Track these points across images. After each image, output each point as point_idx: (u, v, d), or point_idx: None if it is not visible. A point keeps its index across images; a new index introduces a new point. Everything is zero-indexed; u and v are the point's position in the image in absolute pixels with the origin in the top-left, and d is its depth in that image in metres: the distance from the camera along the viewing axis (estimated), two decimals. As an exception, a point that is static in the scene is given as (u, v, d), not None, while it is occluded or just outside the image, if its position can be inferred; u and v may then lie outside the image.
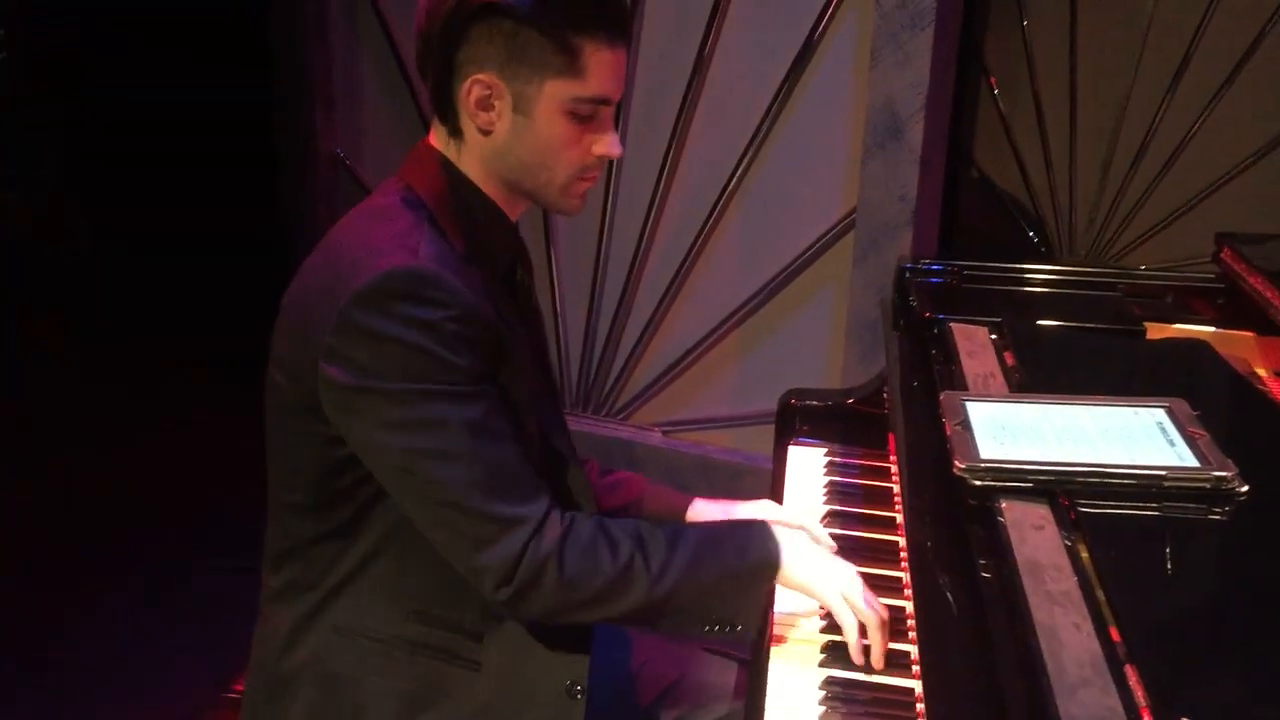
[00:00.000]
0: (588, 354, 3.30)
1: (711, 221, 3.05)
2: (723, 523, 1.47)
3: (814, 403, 1.93)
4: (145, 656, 2.68)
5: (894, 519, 1.59)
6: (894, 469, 1.58)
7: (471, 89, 1.31)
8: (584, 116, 1.33)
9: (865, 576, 1.49)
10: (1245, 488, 1.14)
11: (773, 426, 1.96)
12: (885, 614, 1.33)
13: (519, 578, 1.27)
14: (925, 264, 1.92)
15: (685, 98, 2.99)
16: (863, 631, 1.32)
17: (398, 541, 1.35)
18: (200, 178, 4.27)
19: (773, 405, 1.96)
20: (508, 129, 1.33)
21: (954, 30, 2.83)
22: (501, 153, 1.35)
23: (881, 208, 2.79)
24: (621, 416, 3.32)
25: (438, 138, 1.39)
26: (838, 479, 1.78)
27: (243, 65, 3.67)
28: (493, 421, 1.28)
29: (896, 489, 1.56)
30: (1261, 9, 3.63)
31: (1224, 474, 1.14)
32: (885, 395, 1.79)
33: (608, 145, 1.36)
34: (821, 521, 1.65)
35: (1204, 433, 1.22)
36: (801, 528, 1.56)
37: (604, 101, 1.34)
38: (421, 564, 1.34)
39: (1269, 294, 1.62)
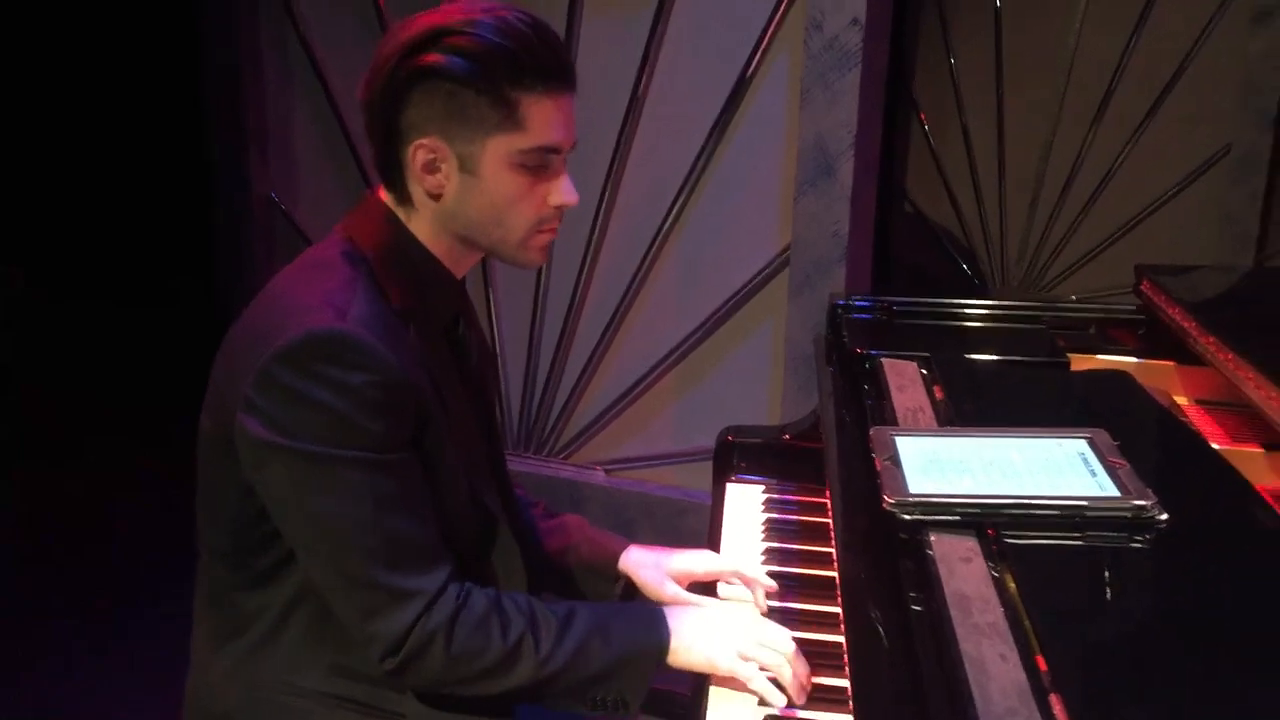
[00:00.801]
0: (528, 394, 3.30)
1: (649, 260, 3.08)
2: (617, 606, 1.46)
3: (751, 440, 1.94)
4: (93, 700, 2.65)
5: (831, 554, 1.60)
6: (830, 504, 1.60)
7: (416, 153, 1.31)
8: (533, 167, 1.33)
9: (803, 614, 1.52)
10: (1165, 516, 1.16)
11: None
12: (789, 648, 1.35)
13: (406, 650, 1.27)
14: (856, 300, 1.95)
15: (620, 137, 3.02)
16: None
17: (316, 594, 1.34)
18: (132, 222, 4.24)
19: (713, 441, 1.98)
20: (456, 189, 1.33)
21: (880, 70, 2.89)
22: (453, 213, 1.35)
23: (815, 244, 2.83)
24: (563, 456, 3.33)
25: (388, 195, 1.38)
26: (775, 516, 1.79)
27: (174, 109, 3.66)
28: (401, 491, 1.28)
29: (832, 524, 1.58)
30: (1181, 44, 3.75)
31: (1143, 503, 1.16)
32: (820, 430, 1.81)
33: (563, 194, 1.36)
34: (761, 557, 1.67)
35: (1124, 462, 1.24)
36: (736, 572, 1.58)
37: (552, 150, 1.34)
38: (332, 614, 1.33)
39: (1187, 325, 1.67)
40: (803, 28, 2.74)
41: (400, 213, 1.37)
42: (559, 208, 1.37)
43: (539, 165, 1.33)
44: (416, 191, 1.35)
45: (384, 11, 3.16)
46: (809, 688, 1.34)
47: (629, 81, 2.97)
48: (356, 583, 1.27)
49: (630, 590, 1.62)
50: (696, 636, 1.37)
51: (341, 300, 1.28)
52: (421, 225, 1.37)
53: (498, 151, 1.31)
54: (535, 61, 1.30)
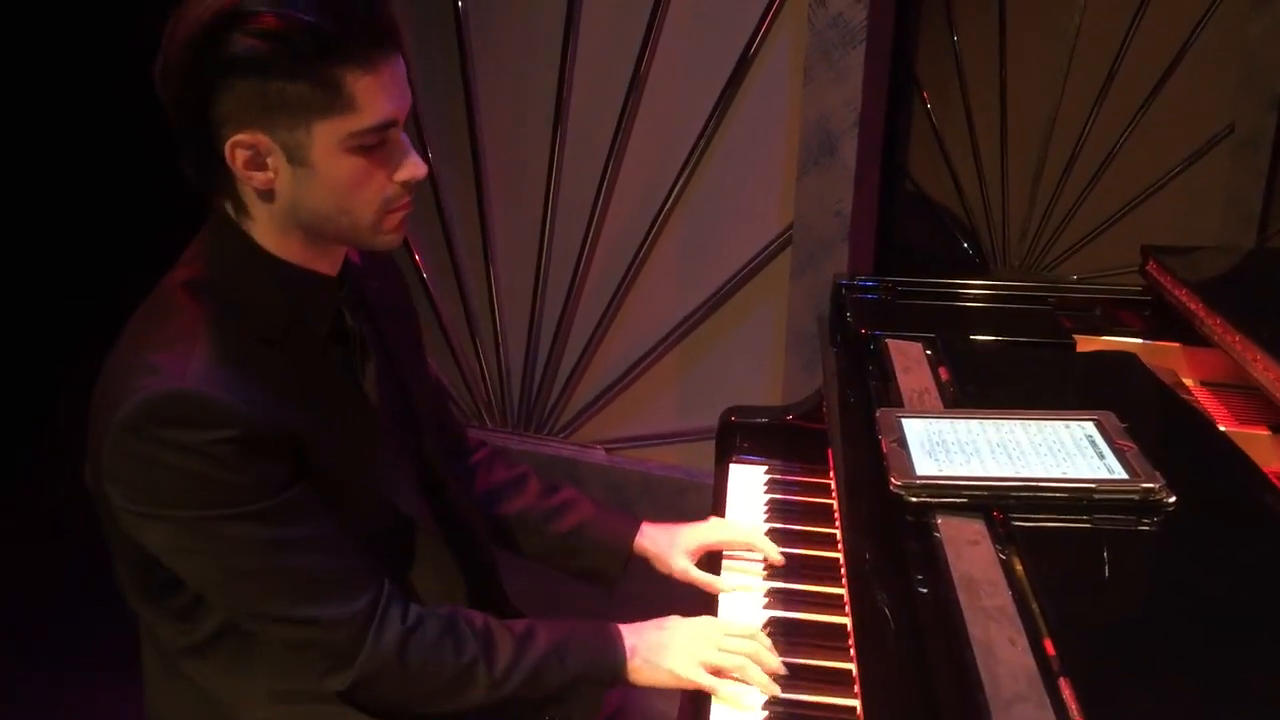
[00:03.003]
0: (529, 373, 3.29)
1: (650, 239, 3.06)
2: (573, 627, 1.39)
3: (754, 420, 1.93)
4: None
5: (835, 536, 1.60)
6: (834, 485, 1.59)
7: (235, 152, 1.16)
8: (371, 147, 1.18)
9: (805, 595, 1.51)
10: (1173, 498, 1.16)
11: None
12: (750, 647, 1.34)
13: (358, 670, 1.24)
14: (860, 280, 1.93)
15: (621, 116, 3.00)
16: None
17: (237, 627, 1.29)
18: (111, 226, 4.19)
19: (715, 421, 1.97)
20: (289, 184, 1.19)
21: (885, 47, 2.87)
22: (292, 210, 1.21)
23: (817, 223, 2.81)
24: (564, 435, 3.32)
25: (226, 207, 1.25)
26: (778, 496, 1.78)
27: (154, 107, 3.62)
28: (292, 532, 1.20)
29: (837, 505, 1.57)
30: (1184, 23, 3.73)
31: (1151, 485, 1.16)
32: (824, 411, 1.80)
33: (408, 169, 1.22)
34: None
35: (1132, 445, 1.24)
36: (748, 543, 1.58)
37: (387, 125, 1.19)
38: (267, 645, 1.29)
39: (1194, 306, 1.66)
40: (806, 4, 2.71)
41: (241, 222, 1.24)
42: (405, 183, 1.22)
43: (377, 144, 1.19)
44: (247, 194, 1.21)
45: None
46: (782, 671, 1.34)
47: (631, 59, 2.95)
48: (274, 622, 1.23)
49: (628, 564, 1.62)
50: (654, 653, 1.36)
51: (181, 350, 1.17)
52: (264, 230, 1.23)
53: (328, 136, 1.16)
54: (350, 32, 1.13)
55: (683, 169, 2.98)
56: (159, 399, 1.14)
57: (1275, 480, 1.36)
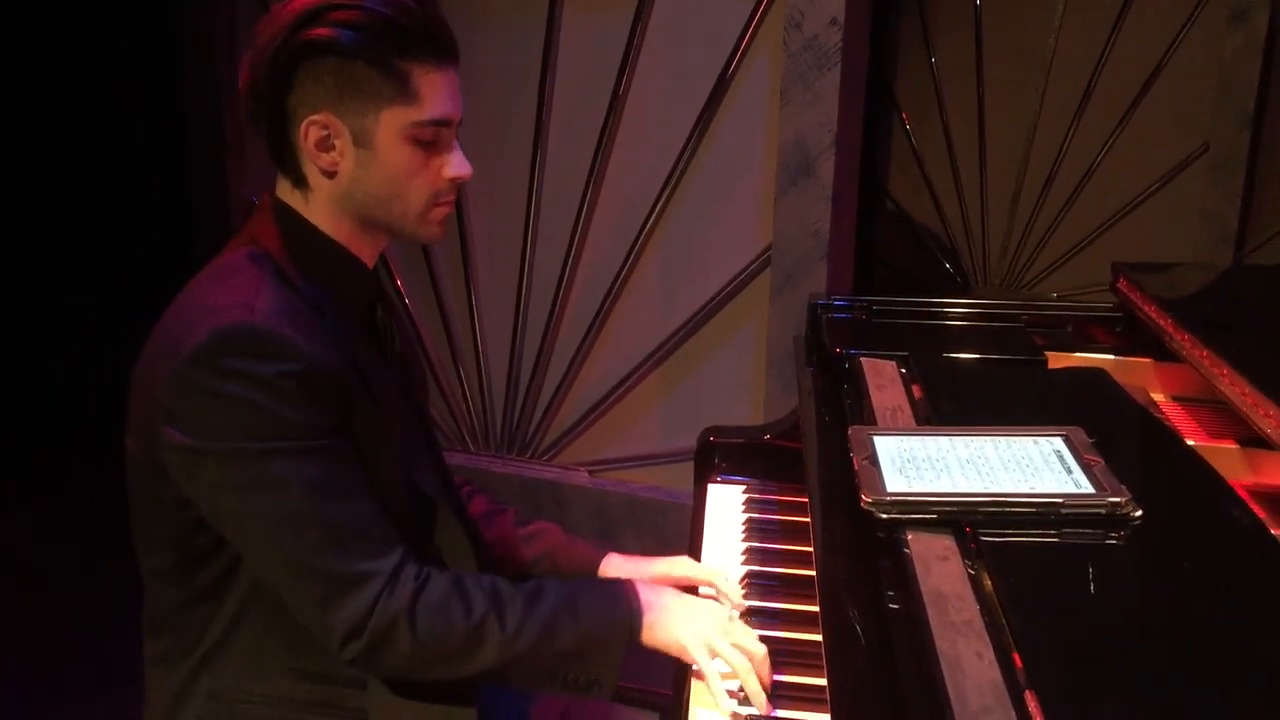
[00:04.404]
0: (511, 395, 3.30)
1: (630, 260, 3.08)
2: (586, 582, 1.44)
3: (732, 440, 1.95)
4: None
5: (812, 554, 1.61)
6: (810, 504, 1.60)
7: (308, 131, 1.30)
8: (426, 141, 1.33)
9: (783, 613, 1.52)
10: (1139, 512, 1.17)
11: (699, 463, 1.97)
12: (758, 651, 1.35)
13: (368, 634, 1.26)
14: (835, 300, 1.95)
15: (601, 137, 3.02)
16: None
17: (263, 600, 1.33)
18: (114, 242, 4.21)
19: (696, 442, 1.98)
20: (352, 165, 1.32)
21: (860, 69, 2.89)
22: (349, 191, 1.34)
23: (796, 243, 2.83)
24: (547, 457, 3.32)
25: (283, 189, 1.38)
26: (756, 515, 1.79)
27: (153, 111, 3.64)
28: (337, 477, 1.27)
29: (811, 523, 1.58)
30: (1159, 43, 3.77)
31: (1118, 500, 1.17)
32: (800, 430, 1.82)
33: (455, 166, 1.36)
34: (741, 557, 1.67)
35: (1099, 459, 1.25)
36: (710, 583, 1.56)
37: (444, 123, 1.34)
38: (289, 620, 1.32)
39: (1163, 322, 1.68)
40: (782, 27, 2.74)
41: (298, 200, 1.36)
42: (453, 180, 1.37)
43: (432, 140, 1.33)
44: (312, 172, 1.33)
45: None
46: (770, 692, 1.34)
47: (610, 81, 2.97)
48: (306, 574, 1.25)
49: None
50: (669, 615, 1.36)
51: (247, 296, 1.26)
52: (320, 210, 1.36)
53: (392, 124, 1.30)
54: (423, 34, 1.30)
55: (662, 191, 3.00)
56: (229, 330, 1.23)
57: (1245, 494, 1.38)
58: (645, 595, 1.38)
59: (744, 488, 1.89)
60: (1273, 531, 1.21)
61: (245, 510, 1.25)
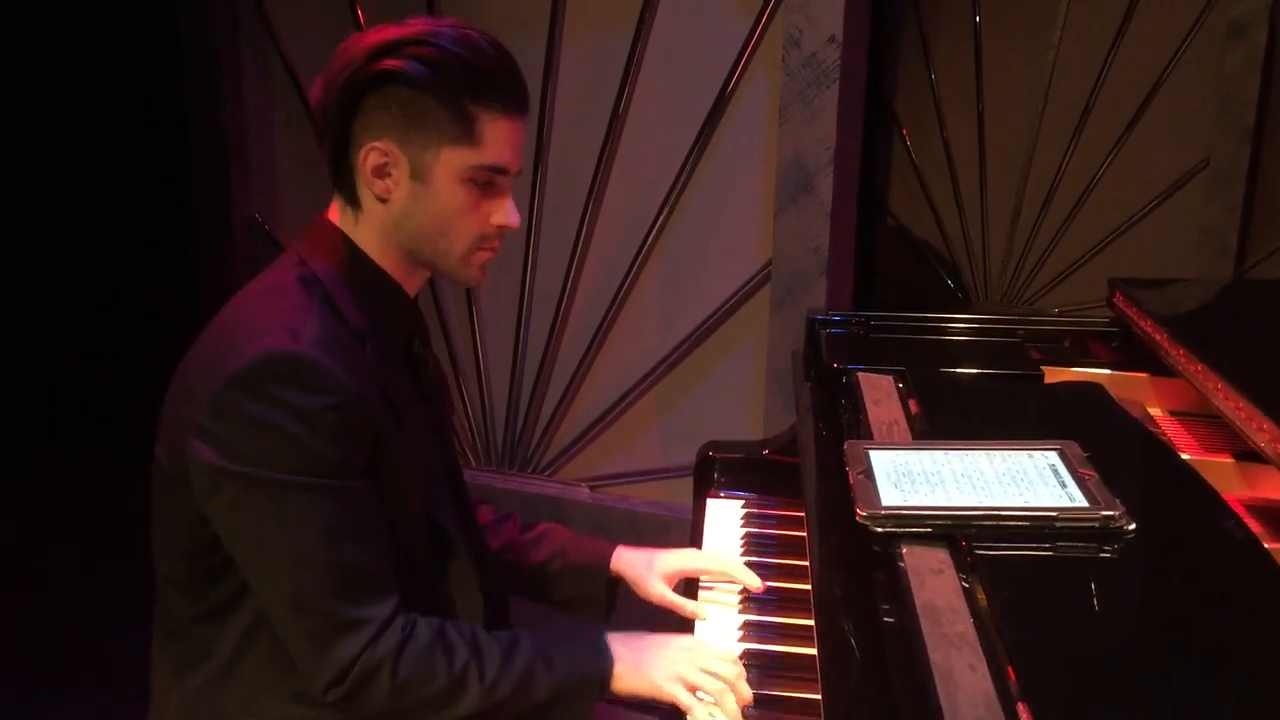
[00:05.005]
0: (512, 411, 3.31)
1: (631, 277, 3.09)
2: (560, 633, 1.44)
3: (731, 455, 1.95)
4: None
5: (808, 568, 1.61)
6: (806, 518, 1.60)
7: (368, 156, 1.32)
8: (481, 184, 1.34)
9: (781, 627, 1.52)
10: (1133, 526, 1.17)
11: (699, 479, 1.97)
12: (730, 672, 1.36)
13: (351, 680, 1.27)
14: (833, 315, 1.96)
15: (601, 155, 3.03)
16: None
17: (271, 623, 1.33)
18: (114, 242, 4.22)
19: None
20: (405, 196, 1.33)
21: (859, 86, 2.91)
22: (399, 220, 1.35)
23: (795, 259, 2.84)
24: (548, 473, 3.33)
25: (336, 209, 1.39)
26: (755, 530, 1.80)
27: (154, 129, 3.65)
28: (354, 519, 1.27)
29: (808, 537, 1.58)
30: (1159, 58, 3.78)
31: (1112, 513, 1.17)
32: (798, 445, 1.82)
33: (505, 214, 1.38)
34: (739, 572, 1.68)
35: (1093, 473, 1.25)
36: (725, 572, 1.60)
37: (501, 171, 1.35)
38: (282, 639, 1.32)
39: (1159, 337, 1.68)
40: (780, 45, 2.75)
41: (349, 221, 1.37)
42: (501, 227, 1.38)
43: (487, 183, 1.35)
44: (365, 195, 1.35)
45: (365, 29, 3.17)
46: (752, 703, 1.35)
47: (609, 99, 2.99)
48: (306, 611, 1.26)
49: (615, 591, 1.63)
50: (640, 662, 1.37)
51: (295, 322, 1.27)
52: (370, 234, 1.37)
53: (451, 163, 1.32)
54: (496, 80, 1.32)
55: (662, 207, 3.01)
56: (275, 357, 1.23)
57: (1240, 508, 1.38)
58: (616, 646, 1.39)
59: (743, 502, 1.89)
60: (1267, 545, 1.21)
61: (259, 538, 1.26)
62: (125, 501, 3.46)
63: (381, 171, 1.32)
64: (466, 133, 1.31)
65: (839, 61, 2.70)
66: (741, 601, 1.59)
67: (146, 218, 4.00)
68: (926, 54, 4.12)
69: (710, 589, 1.62)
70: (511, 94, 1.34)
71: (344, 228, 1.38)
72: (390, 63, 1.29)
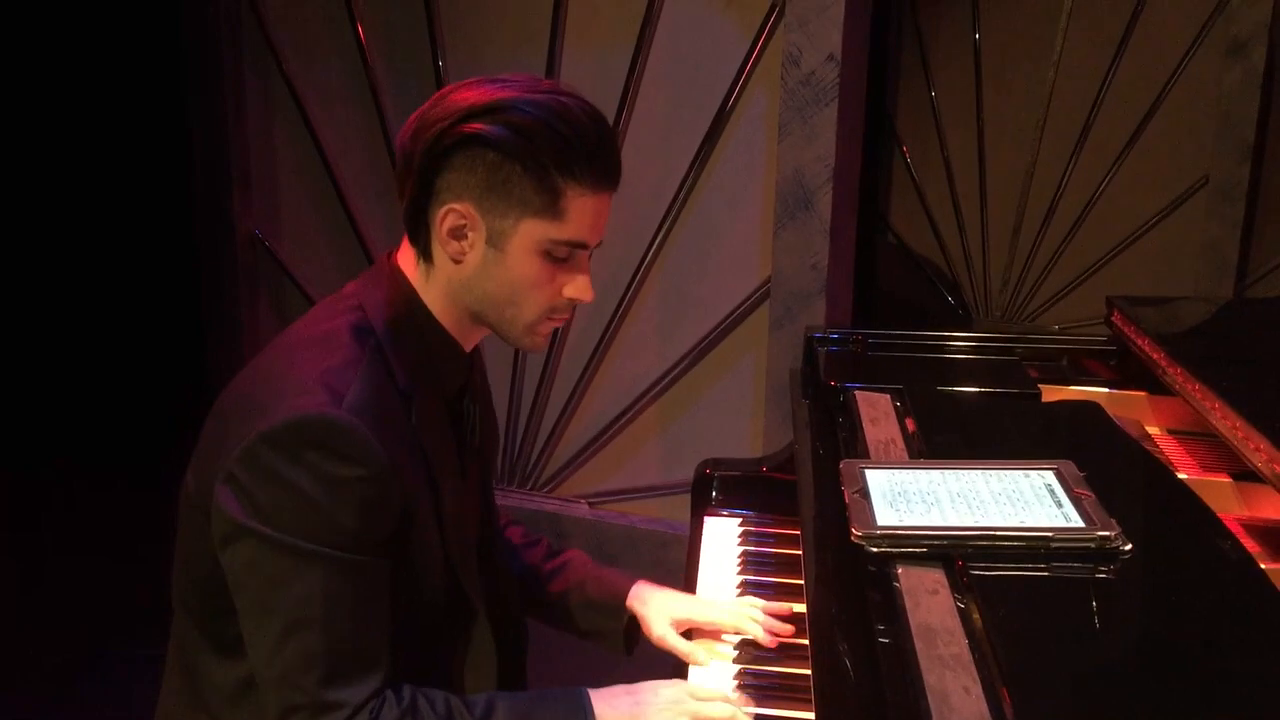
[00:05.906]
0: (512, 427, 3.30)
1: (630, 293, 3.09)
2: (539, 694, 1.39)
3: (729, 472, 1.95)
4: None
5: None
6: (802, 537, 1.60)
7: (446, 216, 1.28)
8: (559, 258, 1.31)
9: (777, 646, 1.52)
10: (1128, 546, 1.17)
11: (699, 495, 1.97)
12: (724, 715, 1.34)
13: None
14: (831, 333, 1.96)
15: (601, 173, 3.03)
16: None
17: None
18: (115, 257, 4.22)
19: (696, 474, 1.98)
20: (478, 261, 1.30)
21: (859, 104, 2.92)
22: (469, 284, 1.32)
23: (794, 277, 2.84)
24: (547, 489, 3.33)
25: (405, 256, 1.35)
26: (751, 548, 1.79)
27: (156, 147, 3.66)
28: (360, 598, 1.24)
29: (803, 557, 1.58)
30: (1158, 76, 3.79)
31: (1107, 533, 1.17)
32: (795, 463, 1.82)
33: (580, 289, 1.34)
34: (735, 590, 1.67)
35: (1089, 493, 1.25)
36: (736, 627, 1.54)
37: (581, 246, 1.31)
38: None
39: (1156, 355, 1.68)
40: (780, 64, 2.76)
41: (419, 273, 1.34)
42: (572, 301, 1.35)
43: (564, 257, 1.31)
44: (439, 253, 1.31)
45: (366, 50, 3.18)
46: None
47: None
48: (286, 678, 1.23)
49: (633, 626, 1.60)
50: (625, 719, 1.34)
51: (339, 382, 1.24)
52: (435, 292, 1.33)
53: (530, 234, 1.28)
54: (589, 155, 1.27)
55: (661, 224, 3.02)
56: (312, 419, 1.20)
57: (1237, 528, 1.38)
58: (599, 705, 1.35)
59: (740, 520, 1.89)
60: (1264, 565, 1.21)
61: (262, 597, 1.23)
62: (123, 515, 3.48)
63: (458, 233, 1.29)
64: (550, 205, 1.27)
65: (838, 80, 2.70)
66: (737, 648, 1.56)
67: (148, 233, 4.00)
68: (927, 71, 4.14)
69: (722, 641, 1.57)
70: (603, 171, 1.29)
71: (410, 277, 1.34)
72: (481, 126, 1.24)
